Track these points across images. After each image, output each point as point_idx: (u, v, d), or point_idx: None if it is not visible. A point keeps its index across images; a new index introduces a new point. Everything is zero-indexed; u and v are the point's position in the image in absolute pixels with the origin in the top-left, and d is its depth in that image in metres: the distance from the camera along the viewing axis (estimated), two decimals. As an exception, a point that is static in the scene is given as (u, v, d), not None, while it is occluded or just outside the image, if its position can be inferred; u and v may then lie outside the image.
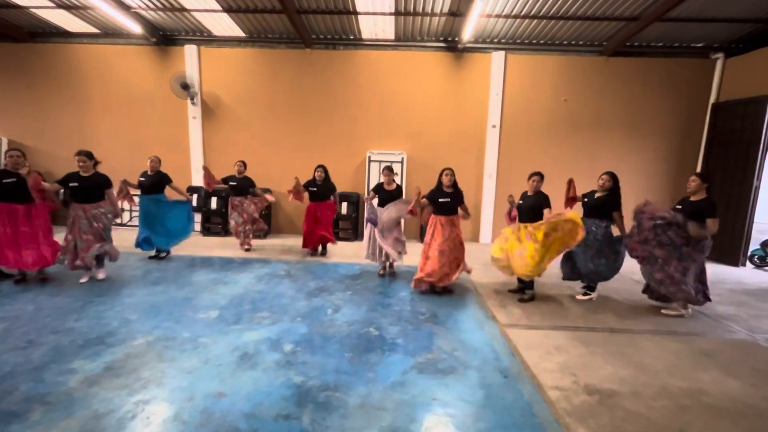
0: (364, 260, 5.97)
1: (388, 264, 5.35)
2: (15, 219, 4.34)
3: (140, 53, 7.81)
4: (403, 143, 7.77)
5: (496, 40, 7.36)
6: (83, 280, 4.60)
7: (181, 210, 5.81)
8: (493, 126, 7.55)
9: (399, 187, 5.25)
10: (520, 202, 4.53)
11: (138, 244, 5.51)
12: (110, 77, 7.91)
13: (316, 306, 4.09)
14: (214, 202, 7.68)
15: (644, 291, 4.53)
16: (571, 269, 4.67)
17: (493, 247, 4.68)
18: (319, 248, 6.45)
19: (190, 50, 7.64)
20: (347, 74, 7.67)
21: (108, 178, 4.67)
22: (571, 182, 4.77)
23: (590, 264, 4.43)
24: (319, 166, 5.96)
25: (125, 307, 3.90)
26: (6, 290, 4.24)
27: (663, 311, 4.32)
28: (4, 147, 8.07)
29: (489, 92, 7.49)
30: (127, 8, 6.57)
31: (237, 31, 7.41)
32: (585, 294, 4.66)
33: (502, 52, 7.35)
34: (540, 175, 4.46)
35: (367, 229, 5.28)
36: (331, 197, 6.16)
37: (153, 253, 5.83)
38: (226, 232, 7.72)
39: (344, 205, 7.64)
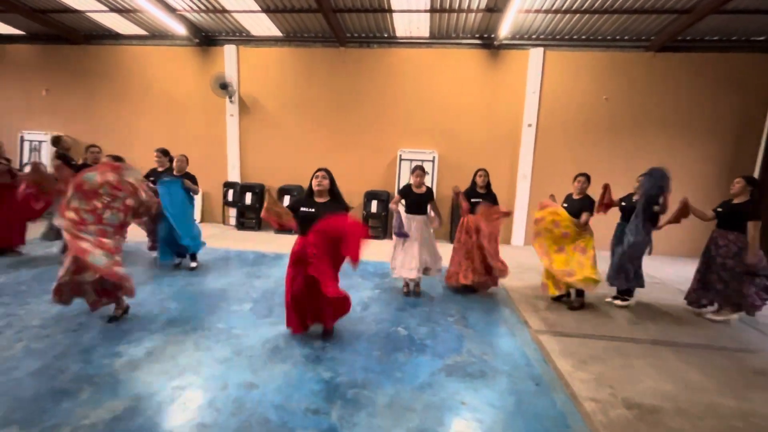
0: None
1: (413, 283, 4.53)
2: None
3: (183, 54, 8.16)
4: (434, 142, 7.69)
5: (534, 36, 7.13)
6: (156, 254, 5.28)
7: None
8: (529, 125, 7.32)
9: (429, 190, 4.43)
10: (565, 205, 4.36)
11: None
12: (154, 77, 8.33)
13: (345, 303, 4.12)
14: (248, 198, 7.92)
15: (686, 297, 4.35)
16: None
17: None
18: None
19: (229, 50, 7.90)
20: (380, 72, 7.67)
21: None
22: (606, 187, 4.57)
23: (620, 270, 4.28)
24: (320, 170, 3.21)
25: (165, 296, 4.09)
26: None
27: (708, 316, 4.07)
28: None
29: (525, 90, 7.27)
30: (172, 10, 6.89)
31: (274, 31, 7.59)
32: (623, 300, 4.44)
33: (541, 49, 7.11)
34: (586, 177, 4.31)
35: (394, 240, 4.52)
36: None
37: (177, 261, 5.14)
38: (259, 226, 7.96)
39: (374, 203, 7.67)
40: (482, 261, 4.50)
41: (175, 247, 4.89)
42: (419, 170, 4.36)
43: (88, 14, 7.35)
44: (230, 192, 8.11)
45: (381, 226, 7.69)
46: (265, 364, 2.85)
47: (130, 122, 8.54)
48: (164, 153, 5.06)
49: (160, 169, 5.05)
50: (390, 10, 6.49)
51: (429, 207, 4.44)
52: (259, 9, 6.71)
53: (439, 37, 7.39)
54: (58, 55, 8.57)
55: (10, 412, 2.21)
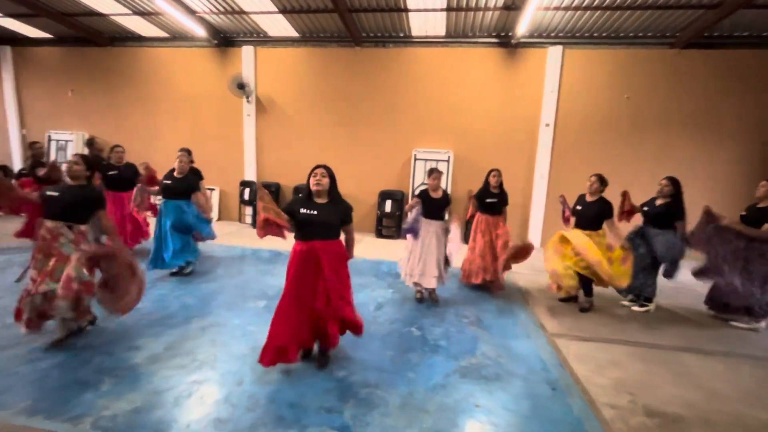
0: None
1: (428, 291, 4.33)
2: (121, 205, 5.07)
3: (202, 55, 8.32)
4: (449, 142, 7.64)
5: (553, 34, 6.99)
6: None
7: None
8: (547, 125, 7.19)
9: (446, 195, 4.25)
10: (578, 207, 4.28)
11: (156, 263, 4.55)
12: (175, 78, 8.51)
13: (359, 302, 4.09)
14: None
15: (706, 302, 4.25)
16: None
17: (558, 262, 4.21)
18: (315, 347, 2.96)
19: (247, 51, 8.02)
20: (395, 72, 7.66)
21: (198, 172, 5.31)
22: (625, 195, 4.44)
23: (641, 277, 4.18)
24: (319, 166, 2.78)
25: (183, 292, 4.18)
26: (84, 271, 4.71)
27: (733, 323, 3.93)
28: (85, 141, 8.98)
29: (543, 89, 7.14)
30: (192, 12, 7.03)
31: (291, 32, 7.66)
32: (642, 305, 4.32)
33: (559, 47, 6.97)
34: (599, 177, 4.16)
35: (408, 245, 4.28)
36: (341, 233, 2.85)
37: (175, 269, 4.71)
38: (274, 225, 8.04)
39: (388, 203, 7.66)
40: (494, 261, 4.57)
41: (165, 260, 4.46)
42: (435, 173, 4.18)
43: (113, 17, 7.57)
44: (246, 190, 8.23)
45: (395, 225, 7.68)
46: (280, 362, 2.87)
47: (151, 122, 8.76)
48: (188, 152, 5.13)
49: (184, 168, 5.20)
50: (406, 10, 6.47)
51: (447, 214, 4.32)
52: (276, 10, 6.78)
53: (456, 36, 7.33)
54: (84, 57, 8.85)
55: (36, 402, 2.29)
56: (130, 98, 8.78)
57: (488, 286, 4.68)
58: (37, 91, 9.23)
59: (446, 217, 4.30)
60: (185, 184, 4.52)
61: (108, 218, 3.07)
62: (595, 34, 6.86)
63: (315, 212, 2.65)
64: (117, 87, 8.80)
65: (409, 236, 4.13)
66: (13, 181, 8.05)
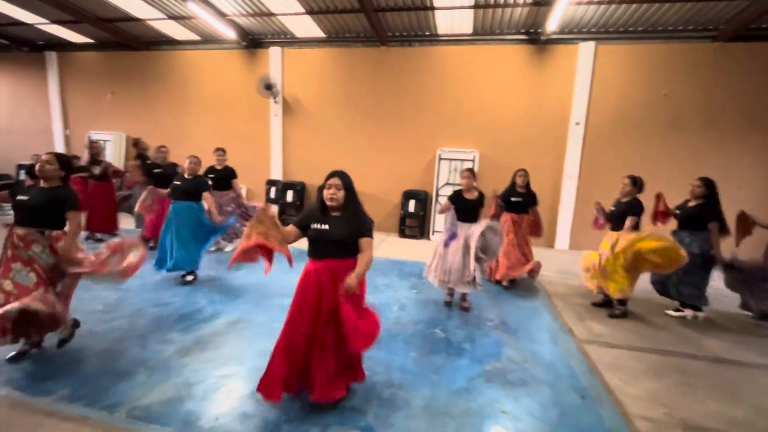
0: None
1: (459, 295, 4.10)
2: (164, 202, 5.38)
3: (231, 57, 8.54)
4: (475, 141, 7.52)
5: (585, 30, 6.76)
6: (212, 249, 5.66)
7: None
8: (577, 123, 6.96)
9: (481, 196, 3.97)
10: (612, 208, 4.16)
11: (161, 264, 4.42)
12: (205, 79, 8.78)
13: (383, 302, 4.12)
14: (290, 195, 8.15)
15: (741, 306, 4.09)
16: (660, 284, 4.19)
17: (585, 257, 4.28)
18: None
19: (274, 52, 8.17)
20: (421, 71, 7.61)
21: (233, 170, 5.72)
22: (659, 196, 4.26)
23: (677, 283, 4.01)
24: (334, 175, 2.35)
25: (211, 288, 4.30)
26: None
27: None
28: (124, 141, 9.41)
29: (573, 87, 6.91)
30: (223, 15, 7.22)
31: (317, 32, 7.75)
32: (676, 310, 4.14)
33: (592, 43, 6.73)
34: (631, 179, 4.03)
35: (437, 247, 4.10)
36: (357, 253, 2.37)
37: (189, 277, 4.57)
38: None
39: (412, 202, 7.63)
40: (520, 257, 4.71)
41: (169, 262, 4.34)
42: (468, 172, 3.93)
43: (149, 22, 7.88)
44: (272, 189, 8.40)
45: (418, 225, 7.64)
46: (304, 359, 2.90)
47: (182, 122, 9.07)
48: (223, 151, 5.64)
49: (218, 167, 5.62)
50: (432, 8, 6.41)
51: (531, 212, 4.28)
52: (303, 11, 6.87)
53: (483, 33, 7.20)
54: (122, 60, 9.27)
55: (77, 389, 2.41)
56: (163, 99, 9.13)
57: (516, 281, 4.85)
58: (79, 94, 9.74)
59: (479, 219, 4.03)
60: (194, 185, 4.41)
61: (77, 221, 2.73)
62: (631, 29, 6.58)
63: (327, 227, 2.27)
64: (151, 89, 9.17)
65: (440, 239, 4.00)
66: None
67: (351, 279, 2.15)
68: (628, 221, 3.89)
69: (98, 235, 6.12)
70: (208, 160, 6.06)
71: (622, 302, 4.07)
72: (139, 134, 9.14)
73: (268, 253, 2.25)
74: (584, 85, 6.84)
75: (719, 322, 4.09)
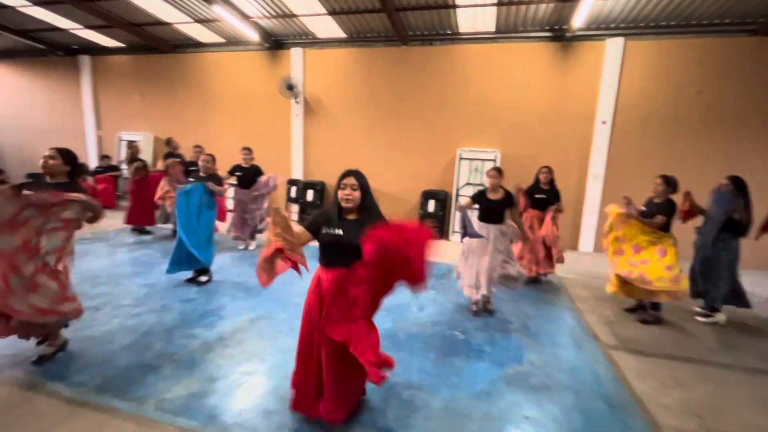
0: (450, 260, 5.85)
1: (482, 299, 3.91)
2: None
3: (254, 58, 8.69)
4: (497, 141, 7.40)
5: (613, 25, 6.54)
6: (241, 247, 5.92)
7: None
8: (603, 122, 6.75)
9: (508, 195, 3.79)
10: (644, 209, 4.02)
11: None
12: (229, 80, 8.97)
13: (401, 302, 4.10)
14: (310, 195, 8.23)
15: None
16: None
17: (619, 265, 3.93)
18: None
19: (296, 53, 8.27)
20: (442, 70, 7.55)
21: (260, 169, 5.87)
22: (686, 195, 4.12)
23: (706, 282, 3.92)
24: (349, 174, 2.17)
25: (233, 285, 4.39)
26: (148, 260, 5.10)
27: None
28: (152, 141, 9.73)
29: (600, 84, 6.70)
30: (246, 17, 7.35)
31: (338, 33, 7.79)
32: (706, 315, 3.99)
33: (620, 38, 6.50)
34: (664, 179, 3.87)
35: (462, 252, 4.00)
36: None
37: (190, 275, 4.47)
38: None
39: (431, 202, 7.58)
40: (545, 253, 4.76)
41: (185, 261, 4.21)
42: (495, 171, 3.77)
43: (176, 26, 8.11)
44: (293, 189, 8.50)
45: (438, 226, 7.58)
46: (324, 357, 2.93)
47: (206, 122, 9.30)
48: (250, 150, 5.84)
49: (245, 165, 5.78)
50: (454, 6, 6.34)
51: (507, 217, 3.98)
52: (325, 12, 6.92)
53: (506, 31, 7.07)
54: (150, 63, 9.57)
55: (107, 381, 2.50)
56: (188, 100, 9.38)
57: (539, 279, 4.94)
58: (110, 96, 10.12)
59: (506, 219, 3.90)
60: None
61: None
62: (662, 23, 6.32)
63: (340, 232, 2.08)
64: (178, 90, 9.44)
65: (465, 239, 3.83)
66: (89, 179, 9.01)
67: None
68: (658, 218, 3.74)
69: (142, 228, 6.70)
70: (233, 160, 6.22)
71: (656, 307, 3.93)
72: (166, 134, 9.46)
73: (290, 262, 1.99)
74: (611, 82, 6.62)
75: (757, 328, 3.88)
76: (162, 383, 2.50)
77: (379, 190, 8.20)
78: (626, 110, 6.68)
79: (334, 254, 2.11)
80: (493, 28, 7.02)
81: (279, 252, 1.90)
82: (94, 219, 2.71)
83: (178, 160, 6.20)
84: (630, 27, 6.48)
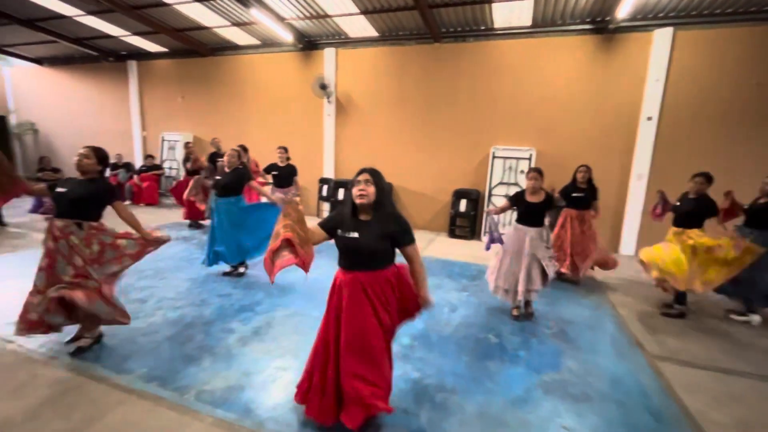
0: (482, 261, 5.74)
1: (523, 302, 3.80)
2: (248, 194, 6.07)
3: (288, 59, 8.88)
4: (532, 139, 7.17)
5: (661, 15, 6.15)
6: None
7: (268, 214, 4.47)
8: (649, 118, 6.37)
9: (549, 198, 3.63)
10: (677, 203, 4.03)
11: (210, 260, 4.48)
12: (264, 81, 9.21)
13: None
14: (341, 193, 8.32)
15: None
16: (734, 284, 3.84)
17: (647, 252, 4.08)
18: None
19: (329, 53, 8.36)
20: (475, 67, 7.39)
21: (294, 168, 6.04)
22: (728, 194, 3.94)
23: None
24: (364, 171, 2.05)
25: (267, 281, 4.47)
26: (188, 256, 5.32)
27: None
28: (192, 141, 10.17)
29: (646, 78, 6.33)
30: (281, 19, 7.52)
31: (370, 32, 7.81)
32: (741, 314, 3.87)
33: (669, 29, 6.11)
34: (705, 177, 3.84)
35: (496, 254, 3.89)
36: (394, 258, 2.16)
37: (228, 269, 4.67)
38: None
39: (463, 202, 7.45)
40: (580, 253, 4.73)
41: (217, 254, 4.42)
42: (535, 173, 3.62)
43: (215, 30, 8.42)
44: (325, 187, 8.62)
45: (469, 225, 7.45)
46: (356, 356, 2.94)
47: (242, 122, 9.61)
48: (285, 150, 6.01)
49: (281, 164, 5.94)
50: (489, 1, 6.19)
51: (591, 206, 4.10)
52: (358, 11, 6.95)
53: (543, 25, 6.82)
54: (190, 66, 10.00)
55: (153, 370, 2.63)
56: (225, 101, 9.72)
57: (568, 279, 4.86)
58: (154, 98, 10.67)
59: (546, 222, 3.74)
60: (233, 179, 4.40)
61: (125, 209, 2.85)
62: (717, 11, 5.88)
63: (356, 235, 2.00)
64: (216, 91, 9.80)
65: (492, 245, 3.77)
66: (135, 177, 9.51)
67: (428, 296, 2.15)
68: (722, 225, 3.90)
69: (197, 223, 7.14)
70: (267, 158, 6.39)
71: (681, 301, 3.96)
72: (205, 134, 9.85)
73: (297, 256, 1.94)
74: (658, 76, 6.24)
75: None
76: (202, 375, 2.60)
77: (410, 189, 8.16)
78: (674, 105, 6.28)
79: (352, 257, 2.06)
80: (529, 22, 6.80)
81: (287, 243, 1.85)
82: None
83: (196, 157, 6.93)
84: (680, 16, 6.07)
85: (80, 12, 8.07)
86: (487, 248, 3.87)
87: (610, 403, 2.51)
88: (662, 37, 6.15)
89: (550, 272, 3.60)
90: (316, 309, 3.76)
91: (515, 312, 3.80)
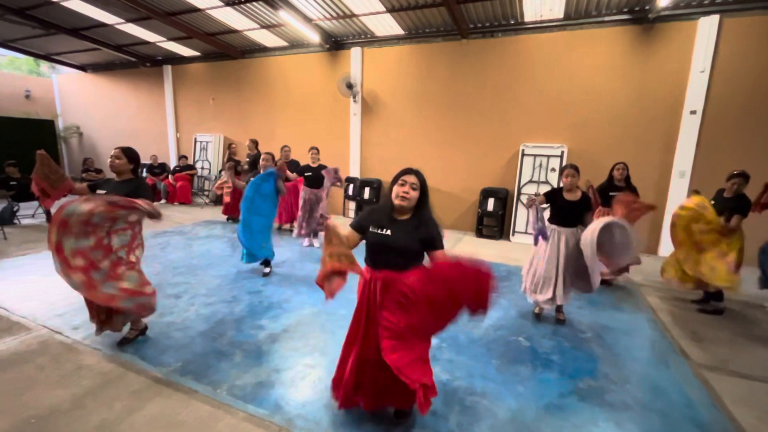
0: (511, 261, 5.60)
1: (553, 307, 3.67)
2: (294, 192, 6.51)
3: (315, 59, 8.98)
4: (564, 135, 6.92)
5: (706, 2, 5.78)
6: (305, 244, 6.08)
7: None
8: (692, 112, 6.01)
9: (585, 198, 3.45)
10: (712, 201, 3.95)
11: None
12: (292, 82, 9.36)
13: (461, 303, 3.98)
14: (366, 192, 8.34)
15: None
16: None
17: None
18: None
19: (355, 52, 8.39)
20: (503, 62, 7.21)
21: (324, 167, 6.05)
22: (767, 186, 3.82)
23: None
24: (409, 171, 2.03)
25: (296, 279, 4.55)
26: (219, 253, 5.48)
27: None
28: (222, 142, 10.48)
29: (690, 70, 5.96)
30: (309, 20, 7.61)
31: (397, 30, 7.77)
32: None
33: (715, 16, 5.73)
34: (742, 176, 3.83)
35: (532, 253, 3.71)
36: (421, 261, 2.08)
37: (267, 270, 4.67)
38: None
39: (491, 201, 7.29)
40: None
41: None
42: (572, 170, 3.41)
43: (245, 33, 8.63)
44: (350, 186, 8.66)
45: (497, 225, 7.28)
46: (384, 356, 2.92)
47: (270, 122, 9.80)
48: (318, 150, 6.10)
49: (313, 165, 6.00)
50: (519, -6, 6.02)
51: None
52: (384, 9, 6.93)
53: (576, 17, 6.56)
54: (221, 69, 10.30)
55: (187, 364, 2.71)
56: (255, 102, 9.96)
57: (611, 283, 4.72)
58: (187, 101, 11.07)
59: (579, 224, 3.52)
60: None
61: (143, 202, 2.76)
62: (770, -4, 5.47)
63: (389, 233, 1.97)
64: (246, 93, 10.05)
65: (540, 241, 3.55)
66: (170, 176, 9.88)
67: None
68: (735, 219, 3.73)
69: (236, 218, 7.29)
70: (296, 158, 6.46)
71: (718, 298, 3.96)
72: (234, 135, 10.13)
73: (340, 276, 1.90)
74: (703, 66, 5.86)
75: None
76: (234, 370, 2.66)
77: (436, 188, 8.07)
78: (721, 98, 5.89)
79: (381, 256, 2.02)
80: (561, 15, 6.56)
81: (334, 273, 1.84)
82: (154, 218, 2.79)
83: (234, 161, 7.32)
84: (727, 2, 5.69)
85: (120, 20, 8.47)
86: (536, 243, 3.61)
87: (652, 414, 2.38)
88: (707, 26, 5.78)
89: (596, 283, 3.38)
90: (343, 307, 3.76)
91: (537, 310, 3.74)
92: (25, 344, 2.91)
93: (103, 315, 2.84)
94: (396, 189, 1.98)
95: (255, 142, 7.73)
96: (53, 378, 2.52)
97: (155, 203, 2.76)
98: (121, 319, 2.90)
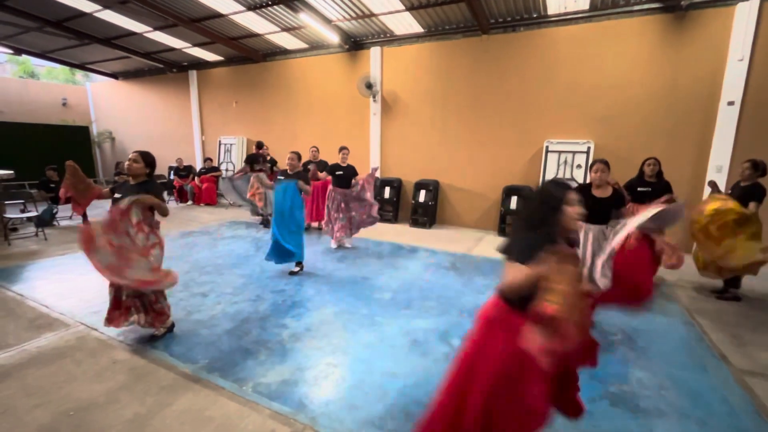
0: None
1: None
2: (321, 191, 6.70)
3: (334, 60, 9.04)
4: (590, 131, 6.69)
5: (744, -13, 5.47)
6: (333, 246, 6.01)
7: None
8: (730, 103, 5.69)
9: (618, 194, 3.30)
10: (729, 192, 4.11)
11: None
12: (312, 83, 9.46)
13: (479, 300, 3.91)
14: (387, 192, 8.33)
15: None
16: None
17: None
18: None
19: (374, 52, 8.39)
20: (526, 57, 7.04)
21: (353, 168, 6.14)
22: None
23: None
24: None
25: (318, 279, 4.59)
26: (243, 253, 5.59)
27: None
28: (245, 144, 10.71)
29: (727, 59, 5.65)
30: (328, 21, 7.66)
31: (416, 28, 7.72)
32: None
33: (755, 1, 5.40)
34: (752, 163, 3.97)
35: None
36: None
37: (295, 268, 4.80)
38: (396, 219, 8.31)
39: (513, 199, 7.14)
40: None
41: (282, 252, 4.53)
42: (602, 164, 3.22)
43: (266, 36, 8.79)
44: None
45: (521, 224, 7.12)
46: (406, 356, 2.91)
47: (291, 124, 9.94)
48: (347, 150, 6.17)
49: (342, 164, 6.05)
50: (542, -14, 5.86)
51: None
52: (403, 8, 6.89)
53: (602, 8, 6.33)
54: (244, 72, 10.53)
55: (214, 361, 2.78)
56: (276, 104, 10.12)
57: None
58: (211, 104, 11.37)
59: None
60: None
61: (152, 198, 2.90)
62: (816, -23, 5.11)
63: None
64: (267, 95, 10.24)
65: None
66: (196, 178, 10.16)
67: None
68: (751, 206, 3.81)
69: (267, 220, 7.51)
70: (322, 155, 6.48)
71: (735, 284, 4.10)
72: (257, 137, 10.31)
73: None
74: (742, 55, 5.54)
75: None
76: (258, 368, 2.70)
77: (457, 187, 7.98)
78: (761, 87, 5.55)
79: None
80: (586, 6, 6.34)
81: (552, 320, 1.33)
82: (161, 212, 2.98)
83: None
84: (769, -14, 5.35)
85: (148, 28, 8.79)
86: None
87: (689, 421, 2.26)
88: (746, 11, 5.46)
89: (601, 283, 3.24)
90: (365, 307, 3.78)
91: None
92: (64, 340, 3.06)
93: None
94: (570, 211, 1.58)
95: (259, 145, 8.09)
96: (90, 373, 2.63)
97: (180, 204, 2.88)
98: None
